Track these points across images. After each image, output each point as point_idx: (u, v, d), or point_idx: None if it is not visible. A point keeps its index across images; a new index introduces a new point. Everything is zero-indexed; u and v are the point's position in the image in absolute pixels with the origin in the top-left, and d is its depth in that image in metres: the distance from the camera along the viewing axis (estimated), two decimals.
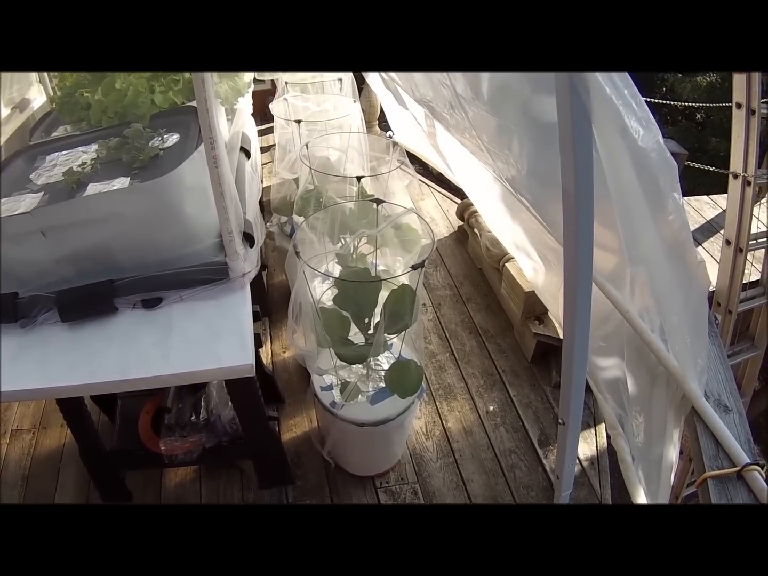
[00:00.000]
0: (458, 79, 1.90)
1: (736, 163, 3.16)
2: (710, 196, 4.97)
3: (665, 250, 1.39)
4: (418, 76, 2.48)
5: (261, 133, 4.71)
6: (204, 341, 1.67)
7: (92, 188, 1.83)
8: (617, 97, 1.14)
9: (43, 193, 1.87)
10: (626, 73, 1.17)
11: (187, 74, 2.24)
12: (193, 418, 2.23)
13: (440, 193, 4.59)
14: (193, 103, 1.85)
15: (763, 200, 3.78)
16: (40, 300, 1.72)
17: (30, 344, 1.69)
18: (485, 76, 1.67)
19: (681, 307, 1.51)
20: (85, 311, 1.74)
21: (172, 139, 2.04)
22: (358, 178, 2.39)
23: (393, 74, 3.35)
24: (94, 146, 2.09)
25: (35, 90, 2.92)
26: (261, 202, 2.61)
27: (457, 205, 4.07)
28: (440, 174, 4.54)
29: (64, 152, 2.12)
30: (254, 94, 3.13)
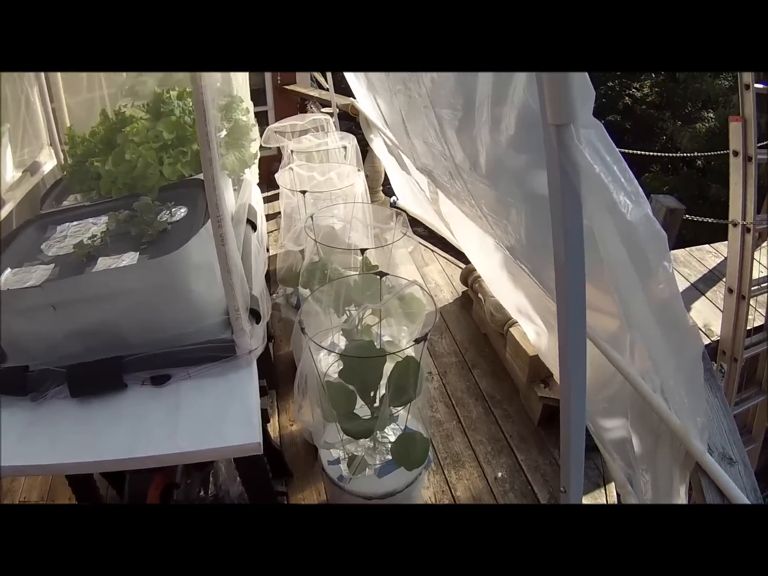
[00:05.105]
0: (457, 151, 1.94)
1: (735, 211, 3.18)
2: (712, 244, 5.01)
3: (656, 317, 1.40)
4: (420, 146, 2.53)
5: (267, 200, 4.76)
6: (211, 420, 1.66)
7: (102, 262, 1.85)
8: (606, 174, 1.17)
9: (53, 265, 1.89)
10: (616, 148, 1.21)
11: (195, 146, 2.27)
12: (201, 494, 2.21)
13: (444, 258, 4.61)
14: (201, 176, 1.90)
15: (764, 244, 3.80)
16: (51, 374, 1.71)
17: (40, 419, 1.69)
18: (482, 150, 1.71)
19: (675, 370, 1.52)
20: (96, 387, 1.73)
21: (180, 212, 2.07)
22: (362, 251, 2.42)
23: (395, 140, 3.41)
24: (104, 218, 2.12)
25: (46, 153, 2.95)
26: (267, 272, 2.62)
27: (461, 271, 4.10)
28: (444, 238, 4.57)
29: (75, 223, 2.15)
30: (260, 160, 3.15)
